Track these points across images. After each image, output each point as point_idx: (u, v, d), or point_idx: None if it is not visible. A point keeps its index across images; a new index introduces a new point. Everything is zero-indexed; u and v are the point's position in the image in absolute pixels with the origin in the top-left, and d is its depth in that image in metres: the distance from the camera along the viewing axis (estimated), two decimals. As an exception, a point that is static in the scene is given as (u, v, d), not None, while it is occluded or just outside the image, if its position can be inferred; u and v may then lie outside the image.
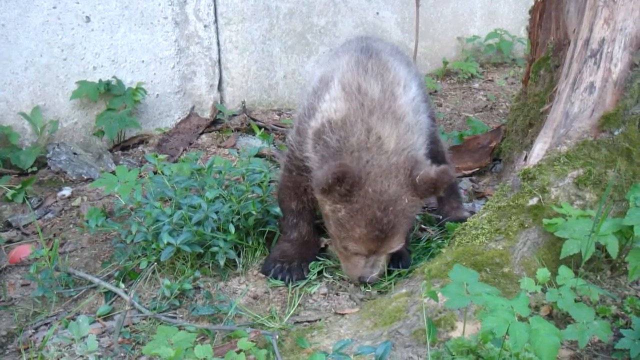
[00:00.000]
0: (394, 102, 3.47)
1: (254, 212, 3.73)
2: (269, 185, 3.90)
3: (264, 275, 3.72)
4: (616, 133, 3.50)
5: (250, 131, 5.64)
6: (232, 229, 3.66)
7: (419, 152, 3.50)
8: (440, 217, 4.13)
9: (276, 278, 3.68)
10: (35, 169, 4.99)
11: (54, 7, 5.01)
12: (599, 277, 3.35)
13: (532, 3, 4.81)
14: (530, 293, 2.97)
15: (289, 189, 3.78)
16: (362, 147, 3.36)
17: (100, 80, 5.20)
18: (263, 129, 5.59)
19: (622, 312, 3.17)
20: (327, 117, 3.48)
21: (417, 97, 3.66)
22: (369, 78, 3.51)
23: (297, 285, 3.63)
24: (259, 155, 4.89)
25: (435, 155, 3.92)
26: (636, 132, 3.51)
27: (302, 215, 3.79)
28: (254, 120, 5.75)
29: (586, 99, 3.60)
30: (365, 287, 3.62)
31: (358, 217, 3.38)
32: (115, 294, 3.56)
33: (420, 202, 3.50)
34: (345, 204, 3.38)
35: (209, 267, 3.72)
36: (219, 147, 5.46)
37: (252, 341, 2.91)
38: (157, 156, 3.98)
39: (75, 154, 5.05)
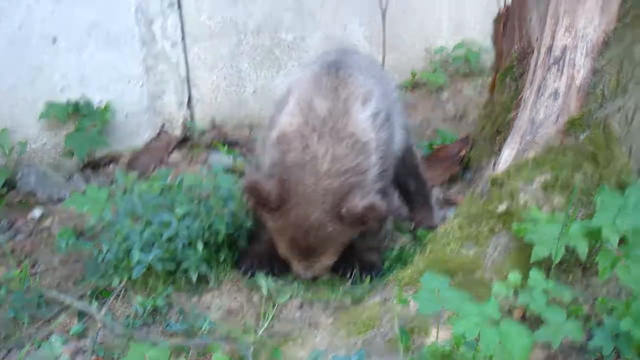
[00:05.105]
0: (345, 119, 3.45)
1: (222, 230, 3.72)
2: (242, 199, 3.91)
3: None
4: (582, 137, 3.54)
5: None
6: (200, 246, 3.65)
7: (366, 174, 3.47)
8: (413, 225, 4.16)
9: (246, 274, 3.75)
10: (4, 190, 4.93)
11: (20, 29, 4.98)
12: (570, 279, 3.38)
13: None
14: (502, 297, 2.99)
15: None
16: (296, 164, 3.39)
17: (68, 101, 5.16)
18: (227, 146, 5.55)
19: (595, 312, 3.20)
20: (282, 130, 3.51)
21: (382, 113, 3.62)
22: (321, 94, 3.51)
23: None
24: (230, 171, 4.88)
25: (410, 167, 3.94)
26: (601, 135, 3.55)
27: None
28: (225, 135, 5.74)
29: (551, 105, 3.64)
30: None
31: (281, 234, 3.49)
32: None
33: (350, 230, 3.51)
34: (270, 218, 3.47)
35: (182, 283, 3.69)
36: (190, 163, 5.45)
37: (226, 355, 2.90)
38: (127, 174, 3.97)
39: (45, 174, 5.01)
